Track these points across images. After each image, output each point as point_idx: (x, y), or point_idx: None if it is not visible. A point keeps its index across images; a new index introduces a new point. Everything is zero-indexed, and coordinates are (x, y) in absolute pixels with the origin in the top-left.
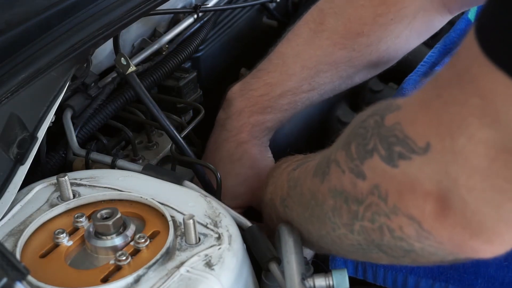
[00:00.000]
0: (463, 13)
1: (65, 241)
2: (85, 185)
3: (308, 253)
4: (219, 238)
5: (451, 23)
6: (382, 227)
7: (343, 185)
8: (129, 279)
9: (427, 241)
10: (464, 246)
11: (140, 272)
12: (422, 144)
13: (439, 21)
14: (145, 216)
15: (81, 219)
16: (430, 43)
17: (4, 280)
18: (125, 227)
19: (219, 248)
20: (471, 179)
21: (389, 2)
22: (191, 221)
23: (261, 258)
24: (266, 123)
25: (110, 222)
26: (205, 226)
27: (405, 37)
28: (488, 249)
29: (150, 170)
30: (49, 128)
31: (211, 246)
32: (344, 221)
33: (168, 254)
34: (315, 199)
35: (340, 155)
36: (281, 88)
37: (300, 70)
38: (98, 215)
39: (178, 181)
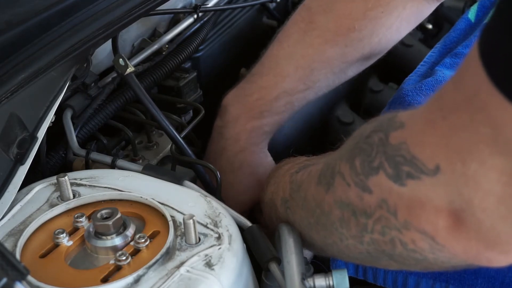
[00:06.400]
0: (462, 12)
1: (65, 241)
2: (85, 185)
3: (308, 253)
4: (219, 238)
5: (451, 23)
6: (393, 240)
7: (350, 198)
8: (129, 279)
9: (441, 253)
10: (479, 257)
11: (140, 272)
12: (431, 166)
13: (427, 9)
14: (145, 216)
15: (81, 219)
16: (430, 43)
17: (4, 280)
18: (125, 227)
19: (219, 248)
20: (485, 201)
21: None
22: (191, 221)
23: (261, 258)
24: (263, 128)
25: (110, 222)
26: (205, 226)
27: (396, 27)
28: (504, 259)
29: (150, 170)
30: (49, 128)
31: (211, 246)
32: (353, 233)
33: (168, 254)
34: (320, 208)
35: (345, 168)
36: (277, 91)
37: (294, 71)
38: (98, 215)
39: (178, 181)
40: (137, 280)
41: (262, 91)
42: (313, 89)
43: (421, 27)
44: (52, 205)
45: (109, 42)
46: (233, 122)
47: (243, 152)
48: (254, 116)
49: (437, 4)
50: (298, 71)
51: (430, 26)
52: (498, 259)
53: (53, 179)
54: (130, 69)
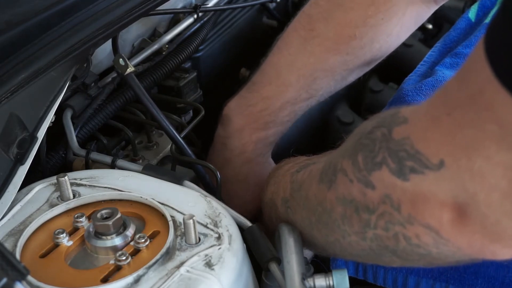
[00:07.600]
0: (462, 11)
1: (65, 241)
2: (85, 185)
3: (308, 253)
4: (219, 238)
5: (451, 23)
6: (397, 235)
7: (352, 194)
8: (129, 279)
9: (445, 247)
10: (484, 250)
11: (140, 272)
12: (436, 161)
13: (426, 12)
14: (145, 216)
15: (81, 219)
16: (430, 43)
17: (4, 280)
18: (125, 227)
19: (219, 248)
20: (490, 196)
21: (378, 2)
22: (191, 221)
23: (261, 258)
24: (268, 138)
25: (110, 222)
26: (205, 226)
27: (396, 33)
28: (508, 252)
29: (150, 170)
30: (49, 128)
31: (211, 246)
32: (356, 229)
33: (168, 254)
34: (322, 206)
35: (347, 164)
36: (280, 101)
37: (296, 80)
38: (98, 215)
39: (178, 181)
40: (137, 280)
41: (266, 101)
42: (315, 97)
43: (421, 27)
44: (52, 205)
45: (109, 42)
46: (237, 133)
47: (249, 164)
48: (258, 127)
49: (436, 7)
50: (300, 80)
51: (430, 26)
52: (502, 253)
53: (53, 179)
54: (130, 69)
